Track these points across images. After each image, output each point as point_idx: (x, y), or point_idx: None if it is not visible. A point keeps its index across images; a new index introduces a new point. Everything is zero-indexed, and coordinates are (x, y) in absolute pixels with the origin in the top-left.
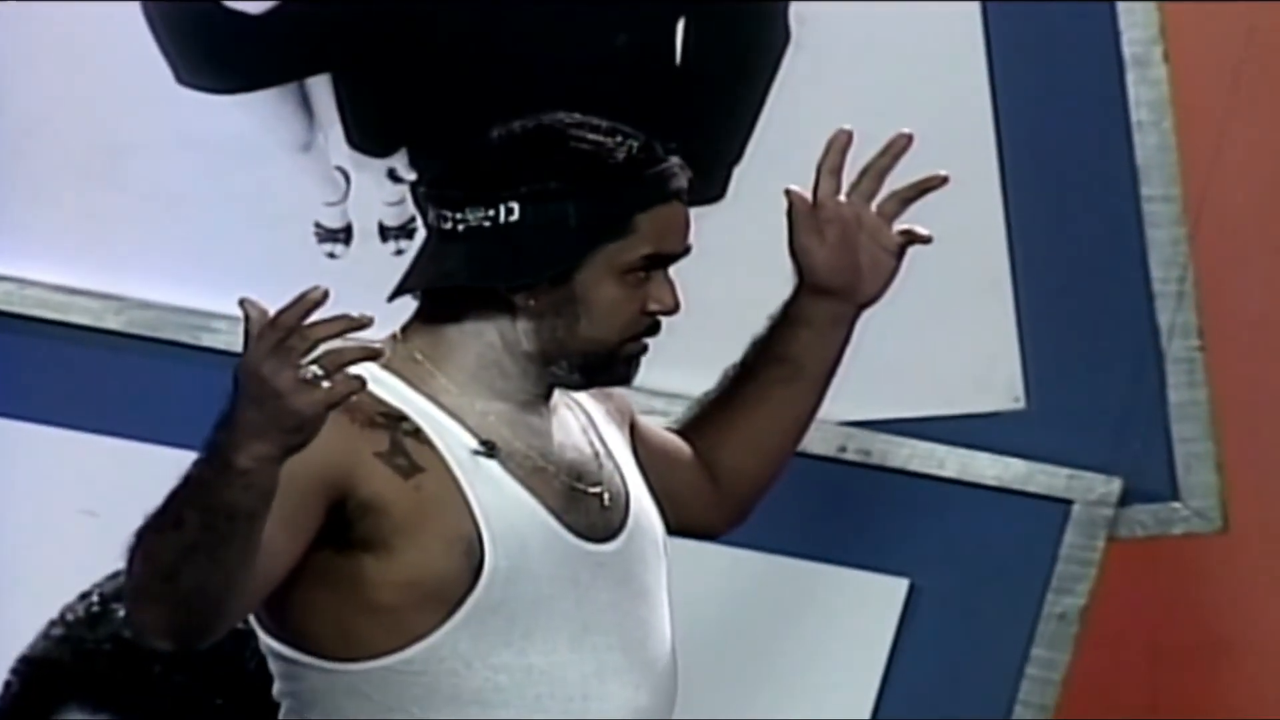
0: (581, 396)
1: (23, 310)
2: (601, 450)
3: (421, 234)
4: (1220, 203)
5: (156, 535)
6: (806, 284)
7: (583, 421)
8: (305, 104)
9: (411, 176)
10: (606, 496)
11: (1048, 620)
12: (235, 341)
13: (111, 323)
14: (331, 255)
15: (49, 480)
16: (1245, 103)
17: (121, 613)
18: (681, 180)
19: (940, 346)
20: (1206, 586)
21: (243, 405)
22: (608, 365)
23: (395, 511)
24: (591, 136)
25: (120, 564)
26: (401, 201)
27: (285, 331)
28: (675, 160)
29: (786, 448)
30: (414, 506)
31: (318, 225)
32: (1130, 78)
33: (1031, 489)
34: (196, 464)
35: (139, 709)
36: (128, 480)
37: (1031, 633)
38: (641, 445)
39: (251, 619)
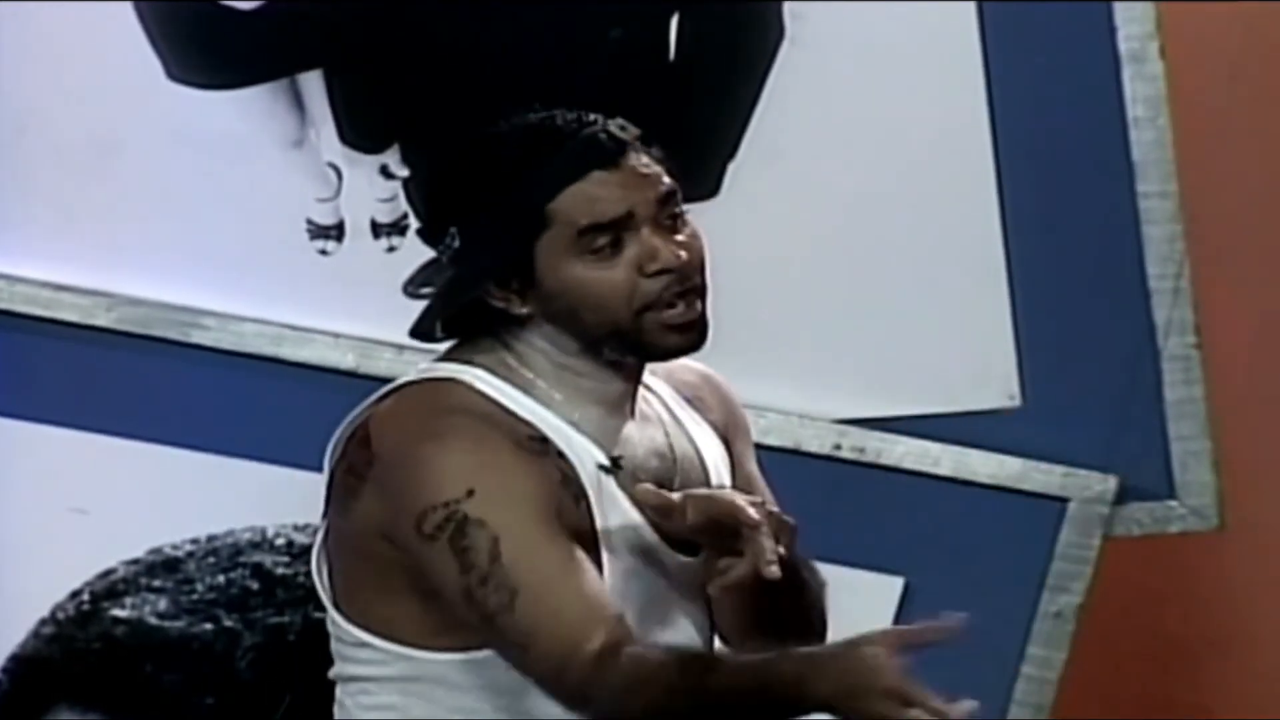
0: (651, 380)
1: (11, 307)
2: (678, 449)
3: (414, 230)
4: (1217, 199)
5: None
6: None
7: (658, 412)
8: (297, 100)
9: (404, 173)
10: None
11: (1043, 619)
12: (225, 338)
13: (101, 320)
14: (323, 252)
15: (39, 478)
16: (1242, 99)
17: (112, 611)
18: (599, 146)
19: (935, 344)
20: (1203, 585)
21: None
22: (645, 339)
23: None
24: (490, 151)
25: (109, 562)
26: (394, 198)
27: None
28: (589, 130)
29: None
30: (577, 529)
31: (309, 222)
32: (1126, 74)
33: (1027, 487)
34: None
35: (129, 708)
36: (118, 478)
37: (1027, 631)
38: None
39: (329, 606)
